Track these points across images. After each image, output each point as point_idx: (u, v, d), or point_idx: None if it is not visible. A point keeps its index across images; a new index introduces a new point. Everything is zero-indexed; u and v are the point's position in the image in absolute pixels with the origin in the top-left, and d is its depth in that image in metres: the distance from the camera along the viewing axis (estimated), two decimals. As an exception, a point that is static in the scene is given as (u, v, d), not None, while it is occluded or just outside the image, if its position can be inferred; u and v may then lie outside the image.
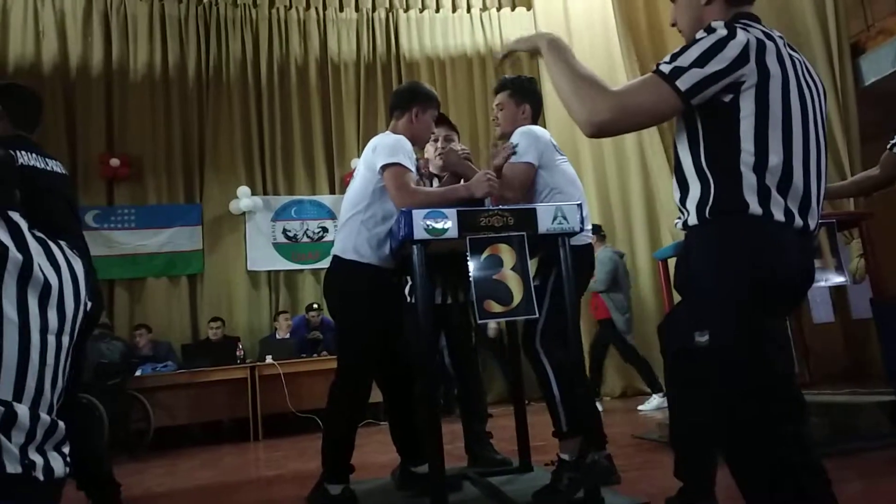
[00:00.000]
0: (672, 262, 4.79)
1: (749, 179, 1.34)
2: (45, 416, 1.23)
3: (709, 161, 1.38)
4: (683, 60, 1.35)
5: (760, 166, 1.34)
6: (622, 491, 2.41)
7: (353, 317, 2.50)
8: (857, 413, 3.09)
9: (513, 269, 2.11)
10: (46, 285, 1.31)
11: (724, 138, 1.36)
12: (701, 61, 1.33)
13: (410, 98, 2.67)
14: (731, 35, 1.35)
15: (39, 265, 1.30)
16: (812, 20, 5.55)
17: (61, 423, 1.28)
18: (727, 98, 1.35)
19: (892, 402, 3.03)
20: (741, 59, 1.33)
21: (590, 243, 2.57)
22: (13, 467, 1.14)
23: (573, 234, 2.22)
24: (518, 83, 2.69)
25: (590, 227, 2.55)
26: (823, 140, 1.43)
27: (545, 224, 2.17)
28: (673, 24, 1.60)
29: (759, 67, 1.34)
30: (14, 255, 1.25)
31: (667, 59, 1.38)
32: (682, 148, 1.45)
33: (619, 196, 7.11)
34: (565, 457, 2.28)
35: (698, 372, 1.42)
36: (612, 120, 1.36)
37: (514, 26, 8.00)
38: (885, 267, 3.43)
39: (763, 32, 1.39)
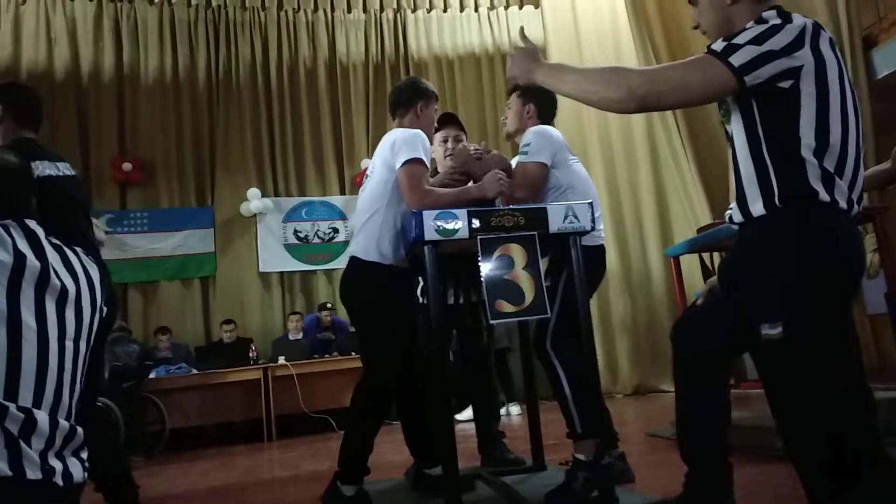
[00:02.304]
0: (685, 259, 4.78)
1: (813, 165, 1.33)
2: (63, 422, 1.25)
3: (770, 149, 1.37)
4: (738, 40, 1.34)
5: (821, 151, 1.33)
6: (636, 489, 2.41)
7: (378, 318, 2.46)
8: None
9: (524, 268, 2.11)
10: (63, 291, 1.33)
11: (785, 125, 1.35)
12: (757, 41, 1.32)
13: (412, 94, 2.66)
14: (788, 20, 1.35)
15: (56, 271, 1.32)
16: (823, 13, 5.51)
17: (80, 429, 1.29)
18: (786, 84, 1.33)
19: (909, 397, 2.99)
20: (797, 42, 1.32)
21: (602, 244, 2.55)
22: (33, 473, 1.15)
23: (584, 232, 2.21)
24: None
25: (602, 227, 2.54)
26: (860, 124, 1.43)
27: (556, 223, 2.17)
28: (695, 27, 1.58)
29: (814, 52, 1.33)
30: (32, 262, 1.27)
31: (718, 41, 1.37)
32: (739, 138, 1.43)
33: (629, 194, 7.08)
34: (581, 457, 2.28)
35: (763, 366, 1.40)
36: (654, 92, 1.35)
37: (521, 24, 7.99)
38: (899, 261, 3.40)
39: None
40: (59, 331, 1.30)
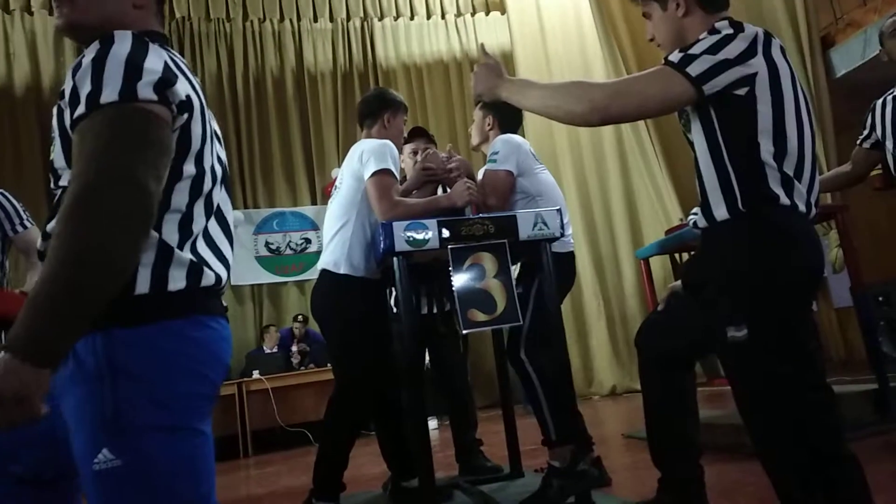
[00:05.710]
0: (654, 260, 4.84)
1: (773, 170, 1.37)
2: None
3: (730, 155, 1.39)
4: (694, 50, 1.38)
5: (779, 155, 1.37)
6: (612, 492, 2.42)
7: (350, 332, 2.44)
8: (841, 402, 3.12)
9: (495, 277, 2.12)
10: None
11: (743, 131, 1.38)
12: (712, 50, 1.36)
13: (379, 105, 2.67)
14: (740, 29, 1.39)
15: None
16: (782, 14, 5.64)
17: None
18: (742, 91, 1.36)
19: (876, 390, 3.06)
20: (750, 50, 1.36)
21: (571, 250, 2.57)
22: None
23: (554, 239, 2.23)
24: None
25: (570, 233, 2.56)
26: (814, 129, 1.47)
27: (526, 231, 2.18)
28: (651, 39, 1.61)
29: (766, 60, 1.38)
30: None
31: (675, 53, 1.40)
32: (700, 146, 1.46)
33: (599, 198, 7.14)
34: (555, 464, 2.28)
35: (732, 366, 1.42)
36: (616, 105, 1.38)
37: (488, 31, 8.03)
38: (861, 256, 3.48)
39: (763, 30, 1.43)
40: None
